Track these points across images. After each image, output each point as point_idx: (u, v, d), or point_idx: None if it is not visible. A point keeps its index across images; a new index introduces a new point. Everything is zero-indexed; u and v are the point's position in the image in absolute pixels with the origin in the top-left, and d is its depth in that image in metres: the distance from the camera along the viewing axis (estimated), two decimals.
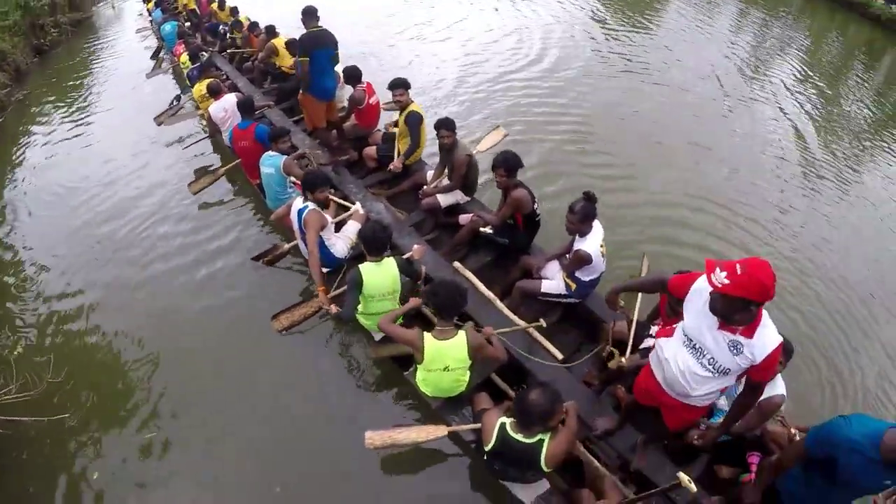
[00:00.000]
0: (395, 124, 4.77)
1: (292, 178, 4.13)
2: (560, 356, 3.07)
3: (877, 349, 4.01)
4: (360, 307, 3.09)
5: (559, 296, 3.28)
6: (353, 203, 4.05)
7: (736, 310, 1.73)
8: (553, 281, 3.29)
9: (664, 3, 12.52)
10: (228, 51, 7.84)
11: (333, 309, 3.20)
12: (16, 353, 3.57)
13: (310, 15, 4.38)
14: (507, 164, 3.35)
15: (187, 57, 7.08)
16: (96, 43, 10.61)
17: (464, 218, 3.99)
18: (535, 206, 3.50)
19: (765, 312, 1.80)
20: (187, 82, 6.98)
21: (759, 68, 9.36)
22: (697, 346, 1.95)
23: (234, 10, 9.13)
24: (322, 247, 3.52)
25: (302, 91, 4.67)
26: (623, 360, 2.68)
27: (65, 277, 4.37)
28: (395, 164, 4.47)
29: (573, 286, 3.19)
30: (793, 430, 2.64)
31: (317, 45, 4.36)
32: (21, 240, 4.93)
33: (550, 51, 8.83)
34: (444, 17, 10.35)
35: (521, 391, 2.42)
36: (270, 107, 5.91)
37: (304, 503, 2.86)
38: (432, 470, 2.94)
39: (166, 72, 8.30)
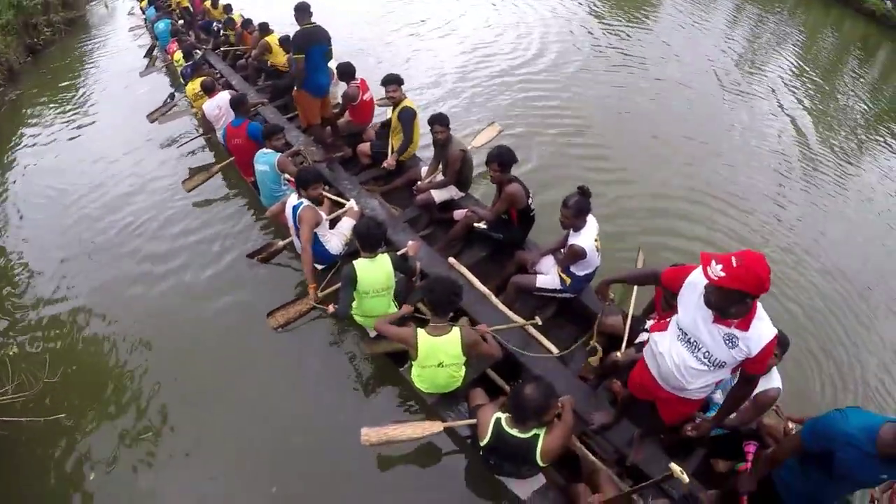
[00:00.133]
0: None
1: (286, 176, 4.11)
2: (555, 351, 3.05)
3: (875, 342, 4.01)
4: (354, 304, 3.08)
5: (554, 291, 3.28)
6: (348, 200, 4.04)
7: (732, 302, 1.73)
8: (548, 276, 3.28)
9: None
10: (222, 48, 7.80)
11: (330, 308, 3.19)
12: (11, 353, 3.55)
13: (303, 11, 4.36)
14: (501, 158, 3.34)
15: (181, 55, 7.02)
16: (90, 42, 10.54)
17: (458, 213, 3.97)
18: (530, 200, 3.48)
19: (759, 305, 1.80)
20: (181, 80, 6.94)
21: (755, 63, 9.34)
22: (692, 340, 1.94)
23: (228, 8, 9.07)
24: (316, 243, 3.51)
25: (296, 88, 4.66)
26: (615, 356, 2.67)
27: (59, 276, 4.35)
28: (389, 162, 4.44)
29: (568, 281, 3.18)
30: (790, 426, 2.64)
31: (311, 42, 4.34)
32: (15, 239, 4.91)
33: (548, 46, 8.78)
34: (442, 13, 10.30)
35: (515, 386, 2.41)
36: (264, 104, 5.89)
37: (301, 502, 2.85)
38: (428, 466, 2.93)
39: (160, 70, 8.25)
